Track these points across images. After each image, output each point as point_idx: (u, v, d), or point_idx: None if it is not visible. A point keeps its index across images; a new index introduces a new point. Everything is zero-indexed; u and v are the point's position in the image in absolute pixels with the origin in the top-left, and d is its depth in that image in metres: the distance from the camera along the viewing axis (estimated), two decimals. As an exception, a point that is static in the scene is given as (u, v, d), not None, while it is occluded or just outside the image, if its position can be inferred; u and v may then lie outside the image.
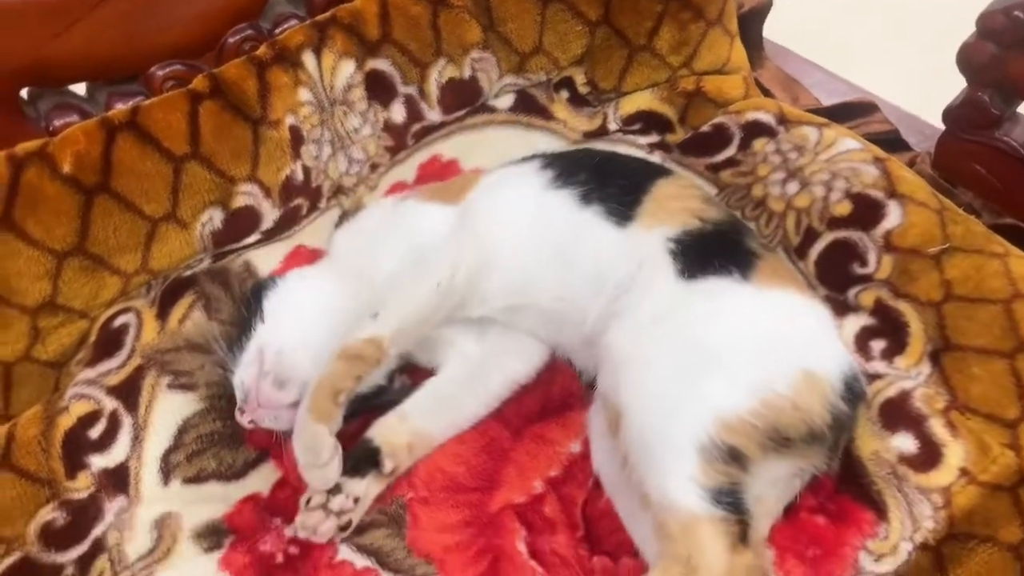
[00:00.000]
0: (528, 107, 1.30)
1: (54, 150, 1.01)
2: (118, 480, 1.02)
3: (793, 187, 1.18)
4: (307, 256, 1.21)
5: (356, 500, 0.94)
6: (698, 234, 0.95)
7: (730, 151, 1.27)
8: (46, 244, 1.00)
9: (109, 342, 1.07)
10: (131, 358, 1.07)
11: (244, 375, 0.99)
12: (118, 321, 1.08)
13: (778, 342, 0.89)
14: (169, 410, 1.06)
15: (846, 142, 1.21)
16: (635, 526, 0.92)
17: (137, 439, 1.04)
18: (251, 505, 1.03)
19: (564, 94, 1.33)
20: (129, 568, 0.96)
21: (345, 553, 0.98)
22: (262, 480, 1.05)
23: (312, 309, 1.04)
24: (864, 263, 1.10)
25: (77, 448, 1.01)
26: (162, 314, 1.10)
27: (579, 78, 1.33)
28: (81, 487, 1.00)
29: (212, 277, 1.13)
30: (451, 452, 1.03)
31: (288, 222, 1.21)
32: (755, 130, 1.26)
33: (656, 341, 0.90)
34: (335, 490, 0.94)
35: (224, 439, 1.06)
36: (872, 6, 1.90)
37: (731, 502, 0.82)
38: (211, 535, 0.99)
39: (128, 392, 1.05)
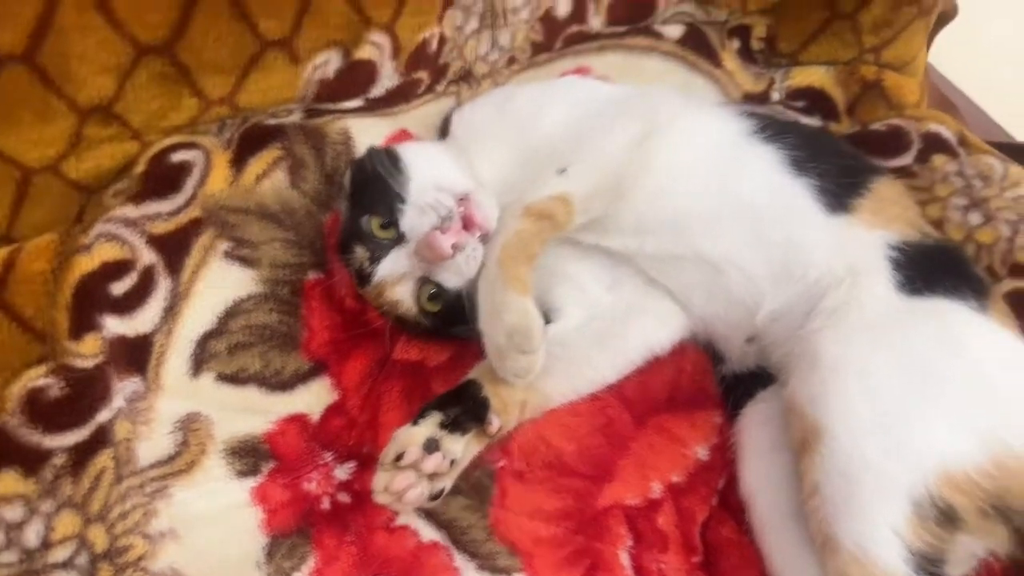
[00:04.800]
0: (698, 45, 1.10)
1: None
2: (135, 355, 0.78)
3: (976, 218, 1.03)
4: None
5: (452, 463, 0.74)
6: (919, 247, 0.80)
7: (906, 159, 1.11)
8: (129, 30, 0.75)
9: (164, 179, 0.81)
10: (189, 206, 0.82)
11: (440, 197, 0.79)
12: (179, 156, 0.83)
13: (1019, 390, 0.73)
14: (220, 284, 0.82)
15: (1033, 186, 1.07)
16: (790, 571, 0.75)
17: (172, 310, 0.80)
18: (297, 428, 0.82)
19: (735, 44, 1.14)
20: (139, 474, 0.73)
21: (409, 518, 0.78)
22: (312, 399, 0.84)
23: (455, 165, 0.85)
24: (1042, 323, 0.96)
25: (92, 301, 0.76)
26: (238, 162, 0.85)
27: (758, 30, 1.14)
28: (87, 353, 0.75)
29: (305, 135, 0.89)
30: (561, 423, 0.83)
31: (400, 95, 0.97)
32: (935, 144, 1.11)
33: (877, 354, 0.73)
34: (431, 446, 0.73)
35: (277, 337, 0.84)
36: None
37: (934, 574, 0.66)
38: (248, 455, 0.77)
39: (175, 247, 0.81)
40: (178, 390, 0.78)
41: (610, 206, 0.81)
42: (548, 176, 0.78)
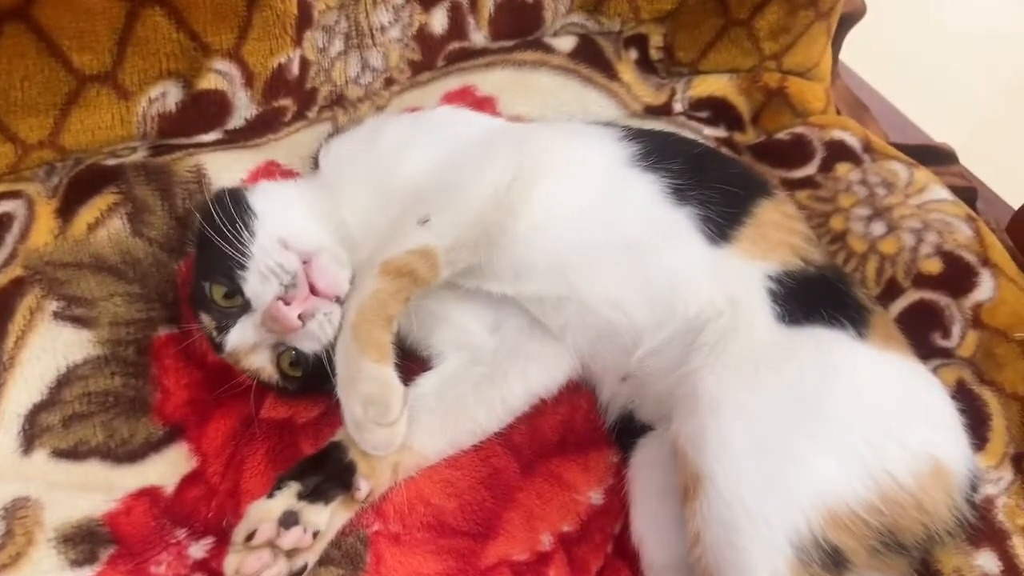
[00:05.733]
0: (591, 57, 1.05)
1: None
2: (-47, 436, 0.69)
3: (879, 228, 1.00)
4: (281, 176, 0.90)
5: (315, 535, 0.67)
6: (801, 277, 0.76)
7: (810, 169, 1.08)
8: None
9: (-22, 235, 0.73)
10: (9, 265, 0.74)
11: (283, 260, 0.72)
12: (-2, 208, 0.75)
13: (903, 420, 0.70)
14: (50, 348, 0.74)
15: (937, 190, 1.05)
16: (680, 624, 0.70)
17: (-6, 382, 0.71)
18: (146, 504, 0.74)
19: (633, 54, 1.09)
20: (-50, 575, 0.64)
21: (273, 594, 0.71)
22: (167, 469, 0.76)
23: (313, 209, 0.78)
24: (947, 334, 0.94)
25: None
26: (65, 211, 0.77)
27: (655, 39, 1.09)
28: None
29: (147, 176, 0.81)
30: (440, 478, 0.77)
31: (264, 126, 0.90)
32: (839, 152, 1.08)
33: (756, 391, 0.69)
34: (288, 520, 0.66)
35: (122, 404, 0.76)
36: (953, 50, 1.76)
37: None
38: (84, 541, 0.70)
39: (-6, 312, 0.72)
40: (6, 471, 0.71)
41: (481, 254, 0.76)
42: (409, 226, 0.72)
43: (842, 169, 1.06)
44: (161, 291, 0.80)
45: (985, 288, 0.94)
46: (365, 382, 0.67)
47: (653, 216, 0.77)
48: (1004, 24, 1.76)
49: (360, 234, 0.78)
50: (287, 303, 0.69)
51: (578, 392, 0.85)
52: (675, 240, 0.76)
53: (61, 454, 0.72)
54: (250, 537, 0.65)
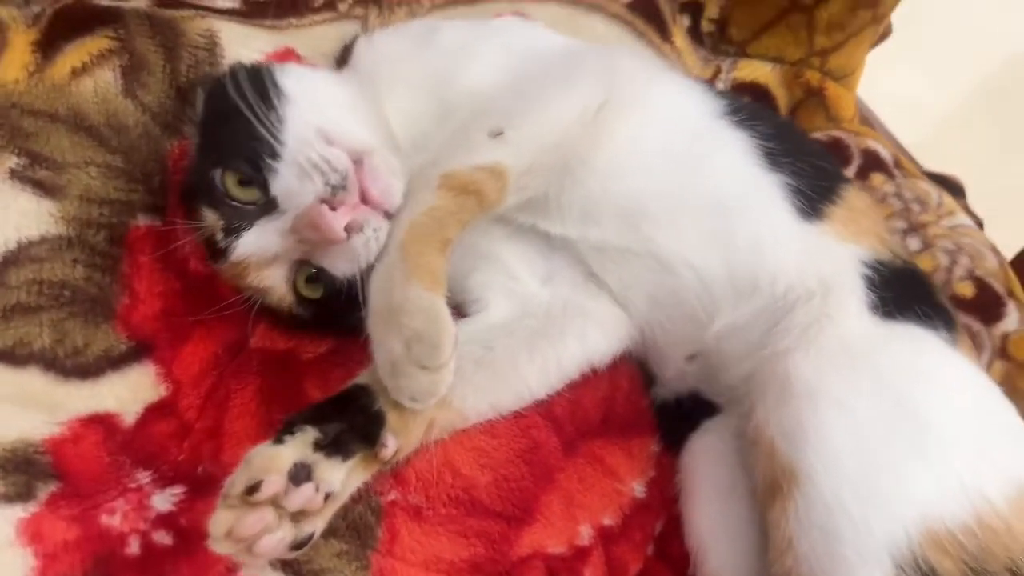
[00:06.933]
0: (649, 13, 0.97)
1: None
2: None
3: (915, 243, 0.98)
4: (300, 68, 0.75)
5: (327, 497, 0.53)
6: (891, 267, 0.70)
7: (847, 174, 1.04)
8: None
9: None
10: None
11: (328, 154, 0.56)
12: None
13: (995, 439, 0.64)
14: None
15: (963, 217, 1.04)
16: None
17: (-88, 248, 0.53)
18: (99, 434, 0.57)
19: (686, 21, 1.02)
20: None
21: (259, 568, 0.56)
22: (127, 394, 0.60)
23: (351, 107, 0.64)
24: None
25: None
26: (47, 46, 0.59)
27: (711, 10, 1.02)
28: None
29: (152, 27, 0.64)
30: (473, 445, 0.64)
31: (289, 6, 0.75)
32: (874, 162, 1.05)
33: (855, 386, 0.62)
34: (299, 474, 0.51)
35: (81, 302, 0.59)
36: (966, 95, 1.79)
37: None
38: (16, 471, 0.52)
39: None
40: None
41: (551, 185, 0.65)
42: (478, 138, 0.60)
43: (877, 180, 1.03)
44: (147, 171, 0.63)
45: (1011, 319, 0.92)
46: (411, 314, 0.53)
47: (744, 176, 0.69)
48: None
49: (408, 145, 0.65)
50: (332, 208, 0.55)
51: (618, 369, 0.75)
52: (765, 207, 0.68)
53: (-5, 355, 0.54)
54: (251, 490, 0.50)
